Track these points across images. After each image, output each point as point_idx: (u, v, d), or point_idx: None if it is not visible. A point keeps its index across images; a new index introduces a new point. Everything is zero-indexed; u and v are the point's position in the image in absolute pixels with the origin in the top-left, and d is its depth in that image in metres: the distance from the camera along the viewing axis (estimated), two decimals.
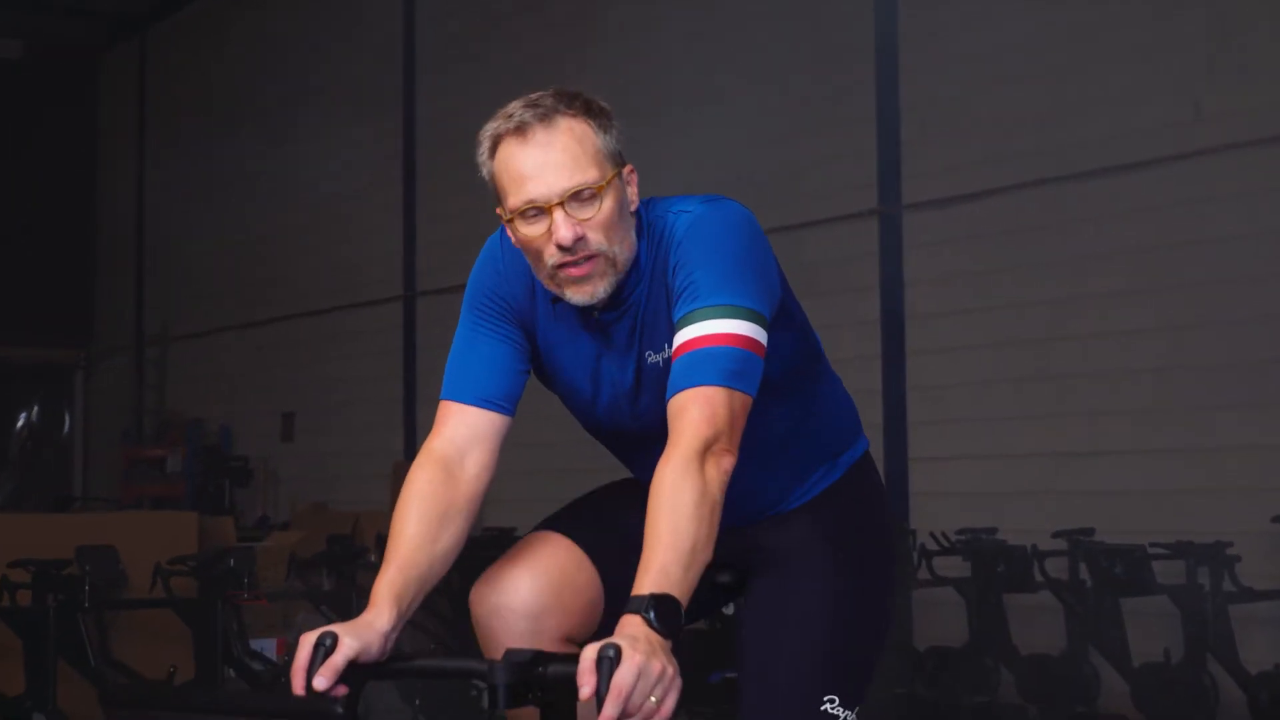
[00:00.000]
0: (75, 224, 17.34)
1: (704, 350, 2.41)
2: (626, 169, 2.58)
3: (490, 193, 2.57)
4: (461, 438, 2.61)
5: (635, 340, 2.62)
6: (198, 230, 15.49)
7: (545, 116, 2.48)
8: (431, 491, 2.55)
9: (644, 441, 2.67)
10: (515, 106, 2.52)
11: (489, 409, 2.62)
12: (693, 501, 2.29)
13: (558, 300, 2.59)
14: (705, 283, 2.46)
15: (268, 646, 7.66)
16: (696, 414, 2.37)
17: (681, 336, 2.45)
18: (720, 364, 2.40)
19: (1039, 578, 7.23)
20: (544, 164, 2.46)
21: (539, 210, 2.47)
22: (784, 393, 2.66)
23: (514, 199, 2.49)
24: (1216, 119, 7.47)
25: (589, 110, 2.53)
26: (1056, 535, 7.49)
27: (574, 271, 2.49)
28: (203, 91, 15.51)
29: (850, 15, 9.12)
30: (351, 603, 7.11)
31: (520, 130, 2.49)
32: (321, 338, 13.73)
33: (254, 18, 14.74)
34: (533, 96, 2.53)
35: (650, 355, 2.61)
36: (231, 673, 7.03)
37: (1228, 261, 7.42)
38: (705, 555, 2.28)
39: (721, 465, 2.35)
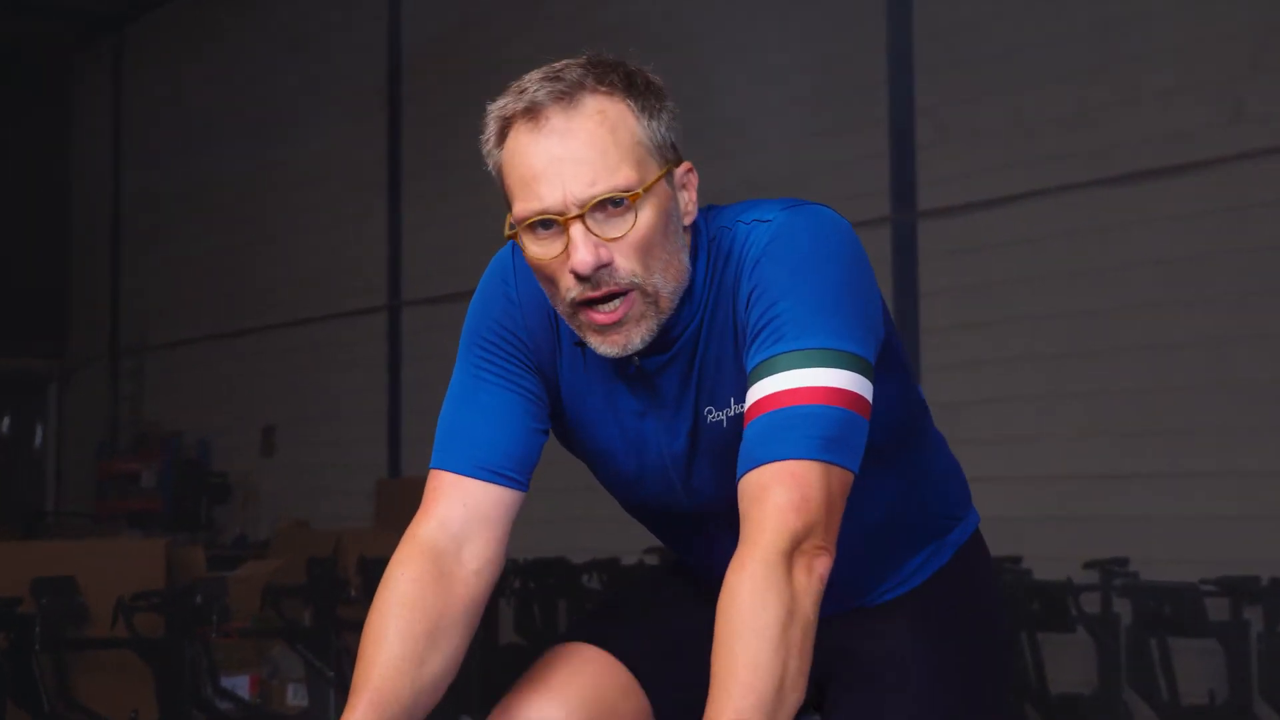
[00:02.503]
0: (49, 230, 16.84)
1: (791, 410, 1.80)
2: (681, 168, 1.94)
3: (499, 192, 1.95)
4: (458, 521, 1.98)
5: (690, 393, 2.00)
6: (176, 236, 15.08)
7: (567, 95, 1.85)
8: (417, 597, 1.94)
9: (700, 524, 2.08)
10: (532, 78, 1.90)
11: (496, 483, 1.99)
12: (777, 622, 1.68)
13: (581, 344, 1.98)
14: (793, 318, 1.84)
15: (240, 684, 7.19)
16: (782, 499, 1.75)
17: (759, 390, 1.83)
18: (813, 429, 1.79)
19: (1073, 611, 6.76)
20: (560, 160, 1.83)
21: (552, 224, 1.86)
22: (887, 461, 2.04)
23: (521, 206, 1.88)
24: (1259, 120, 6.98)
25: (630, 86, 1.89)
26: (1089, 566, 7.03)
27: (599, 317, 1.88)
28: (180, 93, 15.07)
29: (861, 11, 8.65)
30: (330, 641, 6.61)
31: (532, 113, 1.86)
32: (303, 348, 13.27)
33: (233, 17, 14.27)
34: (556, 65, 1.90)
35: (711, 413, 1.99)
36: (199, 715, 6.55)
37: (1269, 271, 6.93)
38: (796, 696, 1.71)
39: (815, 570, 1.75)
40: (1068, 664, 7.08)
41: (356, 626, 7.08)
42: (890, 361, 2.00)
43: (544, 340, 2.05)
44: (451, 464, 2.01)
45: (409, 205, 12.11)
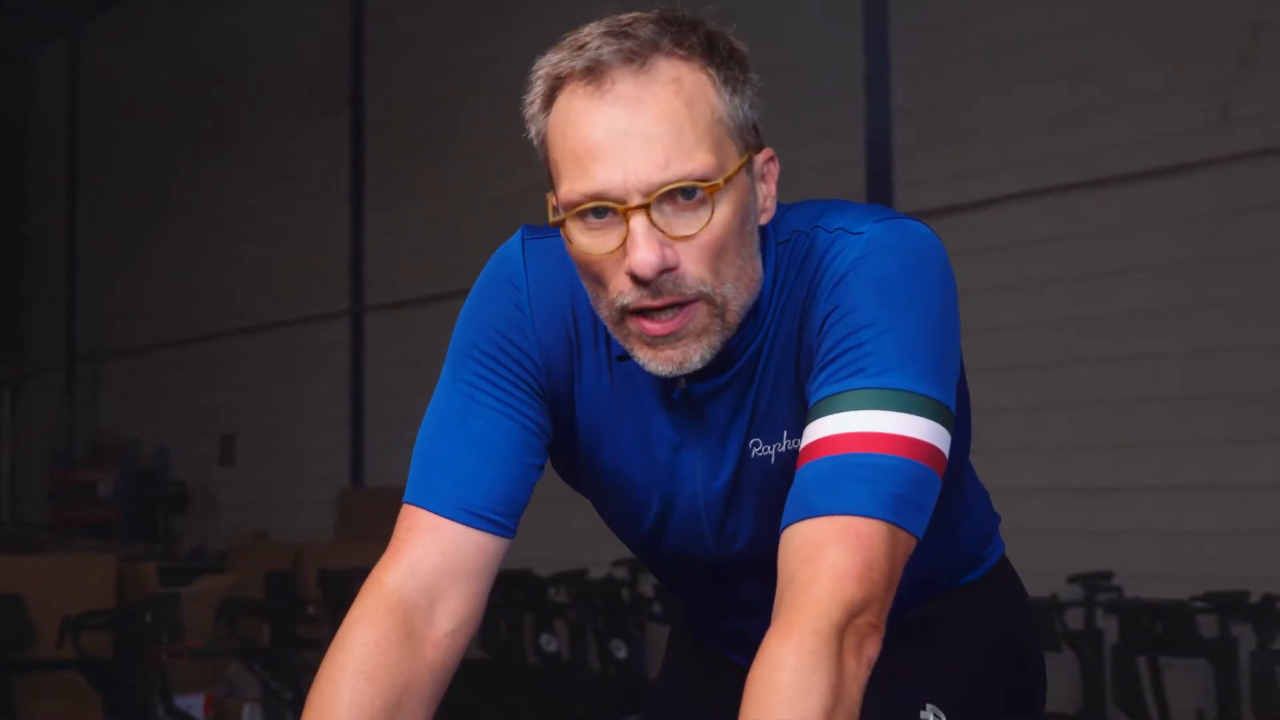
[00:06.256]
0: (4, 234, 16.53)
1: (861, 458, 1.50)
2: (762, 155, 1.63)
3: (540, 167, 1.63)
4: (432, 571, 1.65)
5: (740, 424, 1.68)
6: (134, 241, 14.80)
7: (638, 56, 1.52)
8: (379, 663, 1.59)
9: (726, 577, 1.78)
10: (592, 32, 1.56)
11: (481, 528, 1.66)
12: (823, 712, 1.37)
13: (625, 357, 1.65)
14: (877, 350, 1.54)
15: (195, 704, 6.92)
16: (842, 561, 1.45)
17: (823, 428, 1.52)
18: (885, 484, 1.49)
19: (1058, 629, 6.55)
20: (625, 134, 1.51)
21: (607, 212, 1.53)
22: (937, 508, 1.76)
23: (570, 186, 1.54)
24: (1248, 122, 6.79)
25: (711, 51, 1.56)
26: (1072, 580, 6.83)
27: (652, 326, 1.54)
28: (138, 94, 14.80)
29: (837, 10, 8.42)
30: (288, 660, 6.35)
31: (594, 74, 1.53)
32: (264, 355, 13.01)
33: (192, 16, 14.00)
34: (623, 19, 1.56)
35: (758, 446, 1.68)
36: None
37: (1260, 278, 6.71)
38: None
39: (865, 653, 1.44)
40: (1051, 682, 6.85)
41: (315, 644, 6.86)
42: (960, 403, 1.70)
43: (559, 359, 1.72)
44: (430, 502, 1.67)
45: (372, 209, 11.85)
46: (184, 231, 14.10)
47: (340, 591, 7.79)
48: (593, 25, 1.57)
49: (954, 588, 1.95)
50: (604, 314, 1.60)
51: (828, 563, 1.45)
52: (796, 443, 1.64)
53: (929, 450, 1.52)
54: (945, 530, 1.83)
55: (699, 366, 1.58)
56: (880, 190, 8.14)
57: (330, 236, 12.13)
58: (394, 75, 11.62)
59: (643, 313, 1.55)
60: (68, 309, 16.05)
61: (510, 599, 8.62)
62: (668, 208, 1.51)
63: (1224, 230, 6.86)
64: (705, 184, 1.52)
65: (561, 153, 1.55)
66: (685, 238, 1.52)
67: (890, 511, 1.48)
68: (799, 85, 8.68)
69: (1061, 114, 7.44)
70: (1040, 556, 7.15)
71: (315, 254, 12.37)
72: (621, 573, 8.44)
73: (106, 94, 15.54)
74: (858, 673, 1.43)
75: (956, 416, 1.72)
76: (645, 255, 1.51)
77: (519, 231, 1.75)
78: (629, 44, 1.53)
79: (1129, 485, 7.14)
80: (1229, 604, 6.21)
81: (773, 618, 1.46)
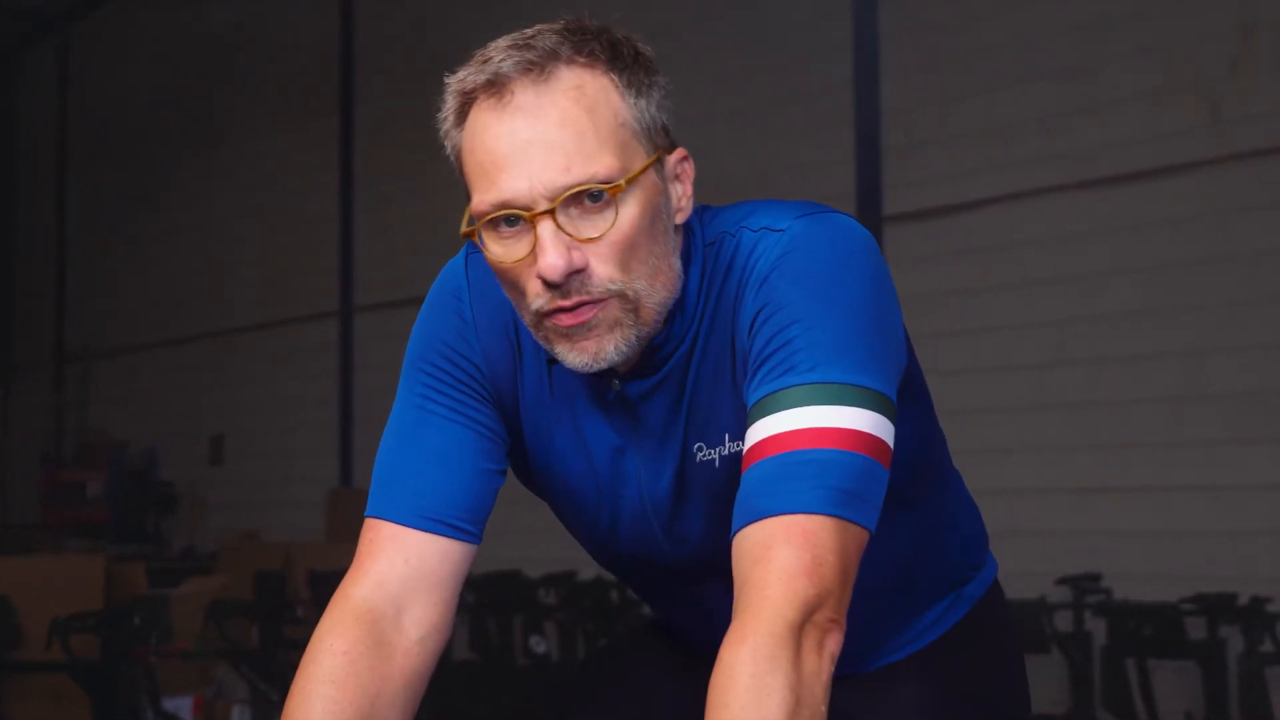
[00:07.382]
0: None
1: (801, 455, 1.48)
2: (674, 156, 1.67)
3: (458, 181, 1.65)
4: (398, 581, 1.67)
5: (678, 426, 1.69)
6: (123, 240, 14.77)
7: (537, 65, 1.56)
8: (349, 673, 1.61)
9: (686, 576, 1.79)
10: (498, 46, 1.60)
11: (444, 535, 1.68)
12: (784, 713, 1.37)
13: (556, 361, 1.66)
14: (807, 345, 1.53)
15: (184, 706, 6.89)
16: (791, 560, 1.44)
17: (763, 429, 1.52)
18: (828, 479, 1.48)
19: (1046, 630, 6.55)
20: (527, 144, 1.53)
21: (517, 220, 1.55)
22: (906, 506, 1.75)
23: (480, 197, 1.56)
24: (1237, 123, 6.79)
25: (614, 57, 1.60)
26: (1060, 582, 6.82)
27: (566, 319, 1.57)
28: (127, 94, 14.76)
29: (827, 10, 8.41)
30: (277, 661, 6.33)
31: (496, 87, 1.56)
32: (253, 355, 12.99)
33: (181, 16, 13.97)
34: (528, 31, 1.60)
35: (701, 450, 1.68)
36: None
37: (1255, 278, 6.72)
38: None
39: (826, 649, 1.43)
40: (1040, 683, 6.85)
41: (303, 646, 6.84)
42: (911, 392, 1.71)
43: (503, 367, 1.75)
44: (391, 512, 1.70)
45: (361, 209, 11.84)
46: (173, 231, 14.07)
47: (330, 593, 7.74)
48: (500, 39, 1.61)
49: (947, 627, 1.93)
50: (526, 320, 1.62)
51: (777, 563, 1.44)
52: (738, 445, 1.64)
53: (870, 440, 1.51)
54: (927, 527, 1.83)
55: (616, 359, 1.59)
56: (870, 191, 8.14)
57: (319, 237, 12.11)
58: (384, 76, 11.61)
59: (555, 312, 1.58)
60: (57, 308, 16.02)
61: (499, 600, 8.61)
62: (574, 211, 1.54)
63: (1218, 230, 6.86)
64: (608, 185, 1.54)
65: (471, 166, 1.58)
66: (592, 240, 1.55)
67: (835, 506, 1.48)
68: (789, 85, 8.68)
69: (1053, 114, 7.44)
70: (1031, 558, 7.16)
71: (305, 254, 12.36)
72: (611, 574, 8.42)
73: (95, 94, 15.52)
74: (819, 670, 1.42)
75: (926, 413, 1.75)
76: (552, 259, 1.53)
77: (464, 247, 1.76)
78: (529, 55, 1.57)
79: (1123, 486, 7.13)
80: (1217, 606, 6.21)
81: (730, 623, 1.45)
